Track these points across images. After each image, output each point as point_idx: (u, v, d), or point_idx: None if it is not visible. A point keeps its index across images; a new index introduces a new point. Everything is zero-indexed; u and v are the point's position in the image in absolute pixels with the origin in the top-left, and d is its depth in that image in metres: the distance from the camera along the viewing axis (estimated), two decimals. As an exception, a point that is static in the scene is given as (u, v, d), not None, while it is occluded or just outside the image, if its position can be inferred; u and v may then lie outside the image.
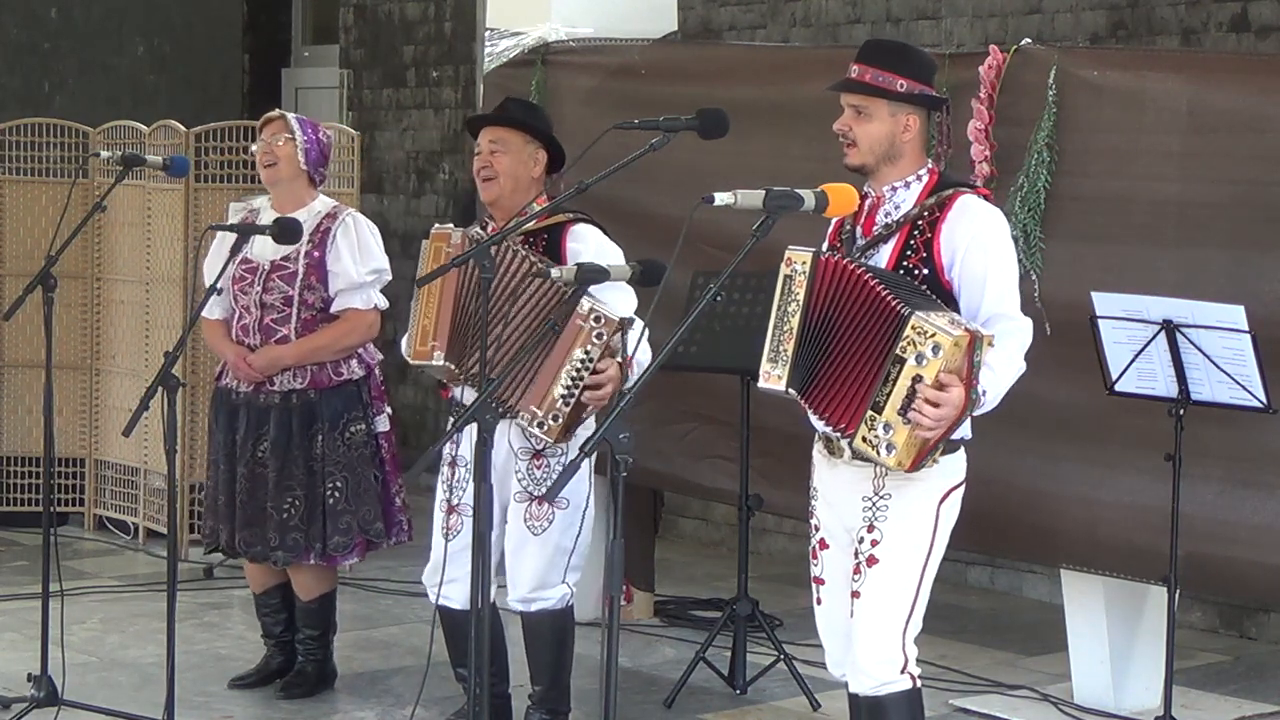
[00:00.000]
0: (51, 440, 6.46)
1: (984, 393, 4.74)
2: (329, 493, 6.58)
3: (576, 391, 5.61)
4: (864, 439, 4.71)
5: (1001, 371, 4.81)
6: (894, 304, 4.68)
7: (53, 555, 6.26)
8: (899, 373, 4.63)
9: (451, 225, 5.96)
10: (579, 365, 5.57)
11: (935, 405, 4.62)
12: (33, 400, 9.47)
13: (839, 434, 4.80)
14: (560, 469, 5.88)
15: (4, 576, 8.56)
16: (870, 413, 4.68)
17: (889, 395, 4.65)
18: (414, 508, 6.91)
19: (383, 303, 6.70)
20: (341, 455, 6.59)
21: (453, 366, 5.85)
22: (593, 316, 5.55)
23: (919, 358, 4.61)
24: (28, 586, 8.02)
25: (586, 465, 5.88)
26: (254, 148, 6.77)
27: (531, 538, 5.94)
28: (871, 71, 4.94)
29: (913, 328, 4.63)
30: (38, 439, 8.97)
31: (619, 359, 5.62)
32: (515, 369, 5.50)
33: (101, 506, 9.66)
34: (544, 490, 5.88)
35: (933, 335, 4.61)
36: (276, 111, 6.81)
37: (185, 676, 6.70)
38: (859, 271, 4.77)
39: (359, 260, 6.60)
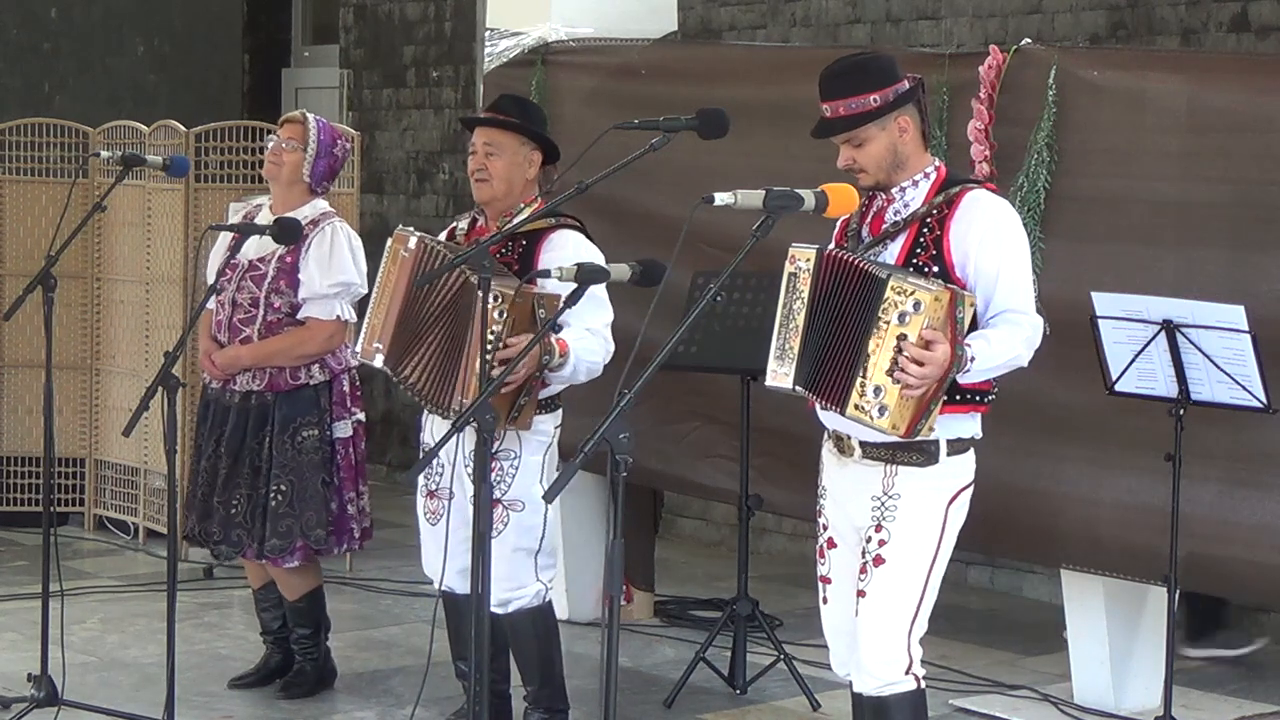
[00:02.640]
0: (51, 440, 6.47)
1: (972, 358, 4.74)
2: (271, 495, 6.59)
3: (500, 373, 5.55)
4: (856, 406, 4.71)
5: (997, 346, 4.81)
6: (873, 271, 4.71)
7: (53, 555, 6.26)
8: (884, 334, 4.66)
9: (411, 229, 5.96)
10: (491, 346, 5.53)
11: (920, 363, 4.63)
12: (33, 400, 9.47)
13: (833, 409, 4.80)
14: (513, 471, 5.88)
15: (4, 576, 8.55)
16: (859, 379, 4.70)
17: (877, 359, 4.67)
18: (407, 505, 6.89)
19: (347, 315, 6.66)
20: (289, 459, 6.59)
21: (390, 372, 5.87)
22: (491, 295, 5.51)
23: (901, 316, 4.64)
24: (28, 586, 8.02)
25: (539, 467, 5.90)
26: (269, 141, 6.77)
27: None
28: (843, 104, 4.93)
29: (892, 288, 4.66)
30: (38, 439, 8.97)
31: (544, 330, 5.52)
32: (450, 372, 5.55)
33: (101, 506, 9.66)
34: (497, 493, 5.82)
35: (912, 293, 4.64)
36: (299, 114, 6.77)
37: (185, 676, 6.70)
38: (855, 261, 4.79)
39: (325, 272, 6.58)
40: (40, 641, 6.33)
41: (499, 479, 5.88)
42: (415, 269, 5.81)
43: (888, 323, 4.66)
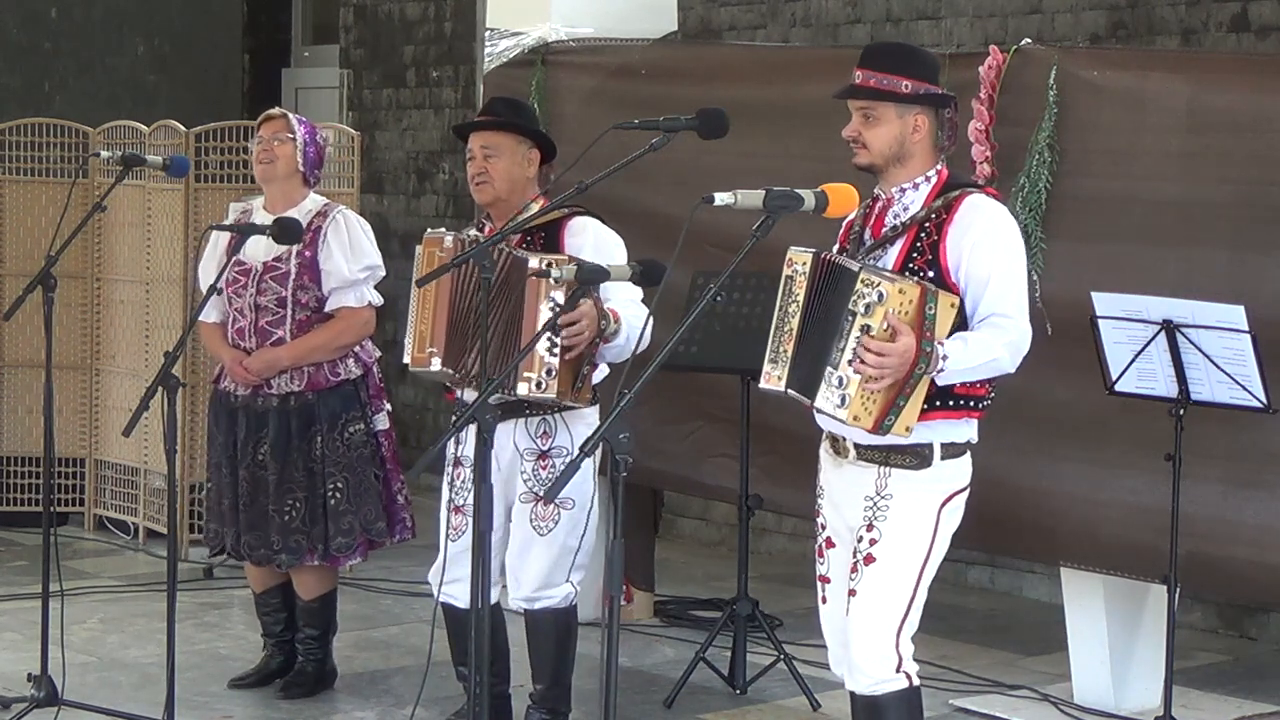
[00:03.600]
0: (51, 440, 6.46)
1: (945, 357, 4.73)
2: (330, 494, 6.57)
3: (558, 339, 5.58)
4: (823, 396, 4.73)
5: (974, 348, 4.79)
6: (846, 264, 4.73)
7: (53, 555, 6.26)
8: (850, 325, 4.68)
9: (444, 230, 5.97)
10: (550, 316, 5.55)
11: (880, 353, 4.64)
12: (33, 400, 9.47)
13: (807, 402, 4.80)
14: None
15: (4, 576, 8.56)
16: (827, 369, 4.71)
17: (842, 350, 4.69)
18: (416, 506, 6.91)
19: (377, 299, 6.69)
20: (341, 456, 6.58)
21: (451, 371, 5.86)
22: (543, 264, 5.53)
23: (867, 307, 4.66)
24: (28, 586, 8.02)
25: (590, 465, 5.89)
26: (252, 144, 6.77)
27: (538, 538, 5.93)
28: (876, 76, 4.94)
29: (861, 280, 4.69)
30: (38, 439, 8.97)
31: (592, 298, 5.61)
32: (507, 356, 5.56)
33: (101, 506, 9.66)
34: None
35: (877, 284, 4.66)
36: (277, 110, 6.80)
37: (185, 676, 6.70)
38: (839, 260, 4.80)
39: (350, 258, 6.59)
40: (40, 641, 6.33)
41: (552, 475, 5.90)
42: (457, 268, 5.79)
43: (855, 313, 4.68)
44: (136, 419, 5.65)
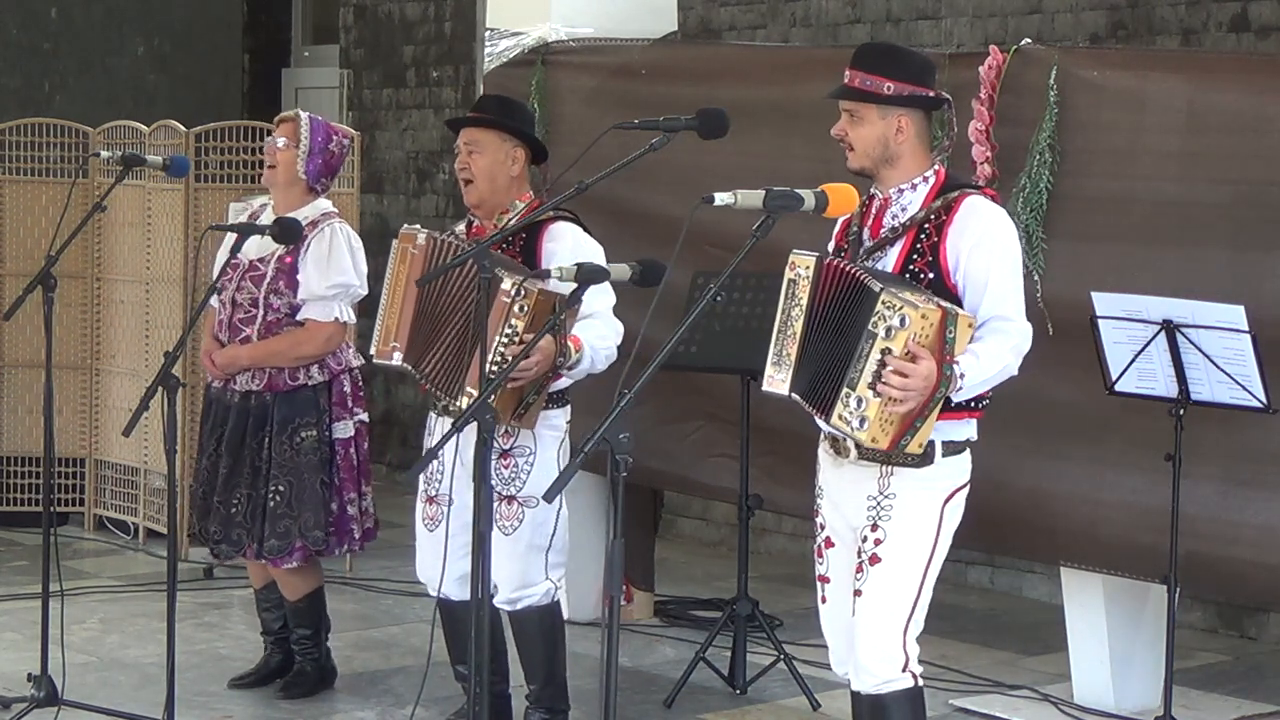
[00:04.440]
0: (51, 440, 6.47)
1: (961, 375, 4.74)
2: (270, 495, 6.59)
3: (506, 366, 5.57)
4: (839, 416, 4.74)
5: (986, 361, 4.81)
6: (867, 283, 4.72)
7: (53, 555, 6.27)
8: (870, 347, 4.67)
9: (418, 226, 5.98)
10: (506, 340, 5.54)
11: (903, 375, 4.64)
12: (33, 400, 9.47)
13: (820, 417, 4.81)
14: (529, 468, 5.90)
15: (4, 576, 8.56)
16: (845, 389, 4.72)
17: (861, 371, 4.68)
18: (411, 505, 6.90)
19: (346, 316, 6.64)
20: (287, 460, 6.59)
21: (410, 368, 5.88)
22: (514, 290, 5.53)
23: (888, 330, 4.66)
24: (28, 586, 8.02)
25: (554, 463, 5.90)
26: (267, 142, 6.78)
27: (503, 538, 5.91)
28: (860, 76, 4.96)
29: (883, 302, 4.68)
30: (38, 439, 8.97)
31: (557, 332, 5.58)
32: (464, 364, 5.56)
33: (101, 506, 9.66)
34: (512, 489, 5.89)
35: (900, 308, 4.66)
36: (293, 112, 6.77)
37: (185, 676, 6.70)
38: (853, 270, 4.79)
39: (323, 274, 6.57)
40: (40, 641, 6.33)
41: (514, 475, 5.90)
42: (427, 265, 5.82)
43: (875, 335, 4.67)
44: (136, 419, 5.66)
